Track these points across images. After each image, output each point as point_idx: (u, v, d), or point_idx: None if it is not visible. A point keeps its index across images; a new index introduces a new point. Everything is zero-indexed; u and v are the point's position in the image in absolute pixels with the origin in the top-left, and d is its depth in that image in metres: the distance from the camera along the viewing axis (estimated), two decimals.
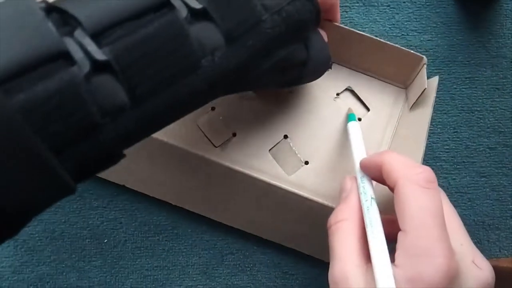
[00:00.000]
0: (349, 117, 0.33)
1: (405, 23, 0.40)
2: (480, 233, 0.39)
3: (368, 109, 0.36)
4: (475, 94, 0.40)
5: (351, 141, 0.31)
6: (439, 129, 0.40)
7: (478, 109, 0.40)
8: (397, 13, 0.40)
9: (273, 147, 0.34)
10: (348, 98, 0.36)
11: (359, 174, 0.27)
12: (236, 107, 0.32)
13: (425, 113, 0.32)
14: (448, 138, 0.40)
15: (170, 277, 0.38)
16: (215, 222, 0.38)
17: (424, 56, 0.33)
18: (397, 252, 0.21)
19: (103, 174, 0.35)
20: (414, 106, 0.34)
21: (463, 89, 0.40)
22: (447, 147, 0.40)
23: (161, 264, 0.38)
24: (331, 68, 0.32)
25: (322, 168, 0.34)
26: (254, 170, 0.31)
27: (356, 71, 0.36)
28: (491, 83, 0.40)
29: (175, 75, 0.21)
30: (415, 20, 0.40)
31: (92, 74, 0.19)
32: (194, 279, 0.38)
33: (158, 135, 0.32)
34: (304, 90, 0.35)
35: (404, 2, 0.41)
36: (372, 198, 0.25)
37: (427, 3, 0.41)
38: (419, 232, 0.21)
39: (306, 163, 0.34)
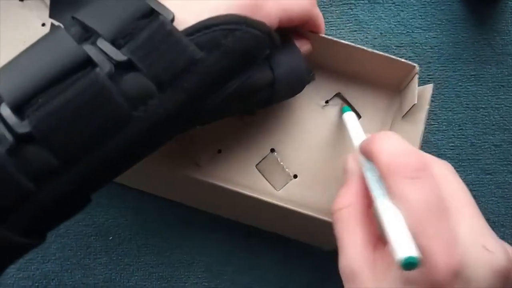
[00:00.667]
0: (344, 109, 0.32)
1: (410, 21, 0.40)
2: None
3: (359, 116, 0.34)
4: (480, 92, 0.40)
5: (349, 128, 0.30)
6: (444, 126, 0.40)
7: (483, 106, 0.40)
8: (402, 11, 0.40)
9: (260, 162, 0.33)
10: (338, 105, 0.34)
11: (361, 157, 0.25)
12: (219, 123, 0.31)
13: (417, 128, 0.30)
14: (453, 135, 0.40)
15: (175, 275, 0.38)
16: (221, 220, 0.38)
17: (416, 65, 0.31)
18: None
19: None
20: (407, 115, 0.32)
21: (468, 87, 0.40)
22: (452, 144, 0.40)
23: (166, 262, 0.38)
24: (312, 80, 0.31)
25: (312, 181, 0.33)
26: (241, 187, 0.31)
27: (346, 76, 0.34)
28: (496, 81, 0.40)
29: (102, 133, 0.21)
30: (420, 17, 0.40)
31: (18, 147, 0.20)
32: (199, 276, 0.38)
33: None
34: (289, 100, 0.34)
35: (409, 0, 0.41)
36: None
37: (432, 1, 0.41)
38: (414, 230, 0.20)
39: (295, 176, 0.33)
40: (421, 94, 0.31)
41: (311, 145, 0.34)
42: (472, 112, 0.40)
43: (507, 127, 0.40)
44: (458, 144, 0.40)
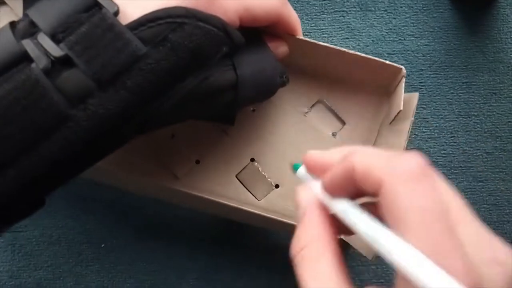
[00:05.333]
0: (295, 167, 0.25)
1: (402, 28, 0.40)
2: None
3: (343, 123, 0.33)
4: (472, 99, 0.40)
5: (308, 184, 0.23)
6: (436, 134, 0.40)
7: (475, 114, 0.40)
8: (394, 18, 0.40)
9: (240, 172, 0.32)
10: (320, 112, 0.33)
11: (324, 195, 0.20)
12: (197, 132, 0.30)
13: (400, 141, 0.28)
14: (445, 143, 0.40)
15: (167, 282, 0.38)
16: (213, 227, 0.38)
17: (403, 67, 0.29)
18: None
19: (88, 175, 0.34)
20: (394, 123, 0.30)
21: (460, 94, 0.40)
22: (444, 151, 0.40)
23: (158, 269, 0.38)
24: (285, 82, 0.29)
25: (294, 190, 0.31)
26: (221, 197, 0.30)
27: (329, 81, 0.33)
28: (489, 88, 0.40)
29: (37, 132, 0.20)
30: (412, 25, 0.40)
31: None
32: (192, 284, 0.38)
33: (116, 168, 0.30)
34: (269, 107, 0.33)
35: (401, 7, 0.41)
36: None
37: (424, 8, 0.41)
38: (419, 236, 0.16)
39: (277, 186, 0.32)
40: (407, 102, 0.29)
41: (292, 154, 0.32)
42: (464, 119, 0.40)
43: (499, 135, 0.40)
44: (450, 152, 0.40)
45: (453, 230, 0.16)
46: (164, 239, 0.38)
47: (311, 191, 0.21)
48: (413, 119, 0.28)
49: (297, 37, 0.29)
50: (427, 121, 0.40)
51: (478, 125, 0.40)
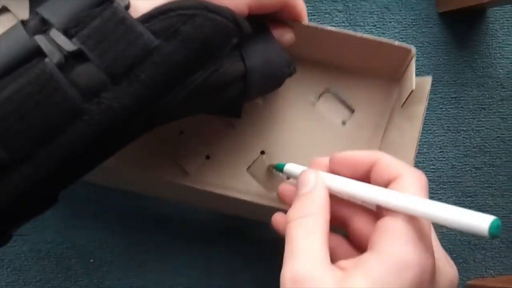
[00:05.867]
0: (278, 166, 0.29)
1: None
2: (466, 253, 0.39)
3: (352, 111, 0.32)
4: (461, 114, 0.40)
5: (297, 172, 0.26)
6: (425, 149, 0.40)
7: (464, 129, 0.40)
8: (383, 33, 0.41)
9: (250, 165, 0.32)
10: (328, 101, 0.32)
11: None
12: (206, 127, 0.30)
13: (417, 115, 0.28)
14: (434, 157, 0.40)
15: None
16: (203, 241, 0.38)
17: (413, 46, 0.28)
18: (385, 237, 0.20)
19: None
20: (406, 104, 0.30)
21: (449, 109, 0.40)
22: (433, 166, 0.40)
23: (147, 284, 0.38)
24: (293, 72, 0.29)
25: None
26: (233, 191, 0.30)
27: (337, 68, 0.32)
28: (477, 103, 0.40)
29: (52, 126, 0.20)
30: (401, 39, 0.40)
31: None
32: None
33: (127, 167, 0.30)
34: (277, 98, 0.32)
35: (390, 22, 0.41)
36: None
37: (413, 23, 0.41)
38: (419, 223, 0.20)
39: (288, 178, 0.32)
40: (419, 85, 0.28)
41: (303, 145, 0.31)
42: (453, 134, 0.40)
43: (488, 150, 0.40)
44: (439, 167, 0.40)
45: None
46: (153, 254, 0.38)
47: (318, 173, 0.23)
48: (427, 104, 0.27)
49: (303, 23, 0.28)
50: None
51: (467, 140, 0.40)
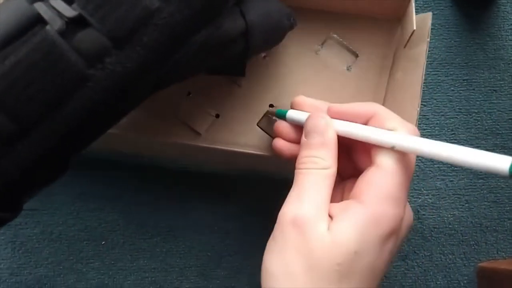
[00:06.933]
0: (279, 113, 0.29)
1: None
2: (478, 235, 0.39)
3: (356, 55, 0.32)
4: (473, 96, 0.40)
5: (302, 114, 0.27)
6: (436, 131, 0.40)
7: (476, 111, 0.40)
8: None
9: (260, 120, 0.32)
10: (332, 47, 0.32)
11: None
12: (213, 87, 0.30)
13: (420, 54, 0.28)
14: (446, 140, 0.40)
15: (167, 279, 0.38)
16: (213, 224, 0.38)
17: None
18: (369, 189, 0.22)
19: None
20: (409, 44, 0.30)
21: (461, 91, 0.40)
22: None
23: (159, 266, 0.38)
24: (293, 25, 0.28)
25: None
26: (245, 147, 0.30)
27: (337, 14, 0.32)
28: (489, 85, 0.40)
29: (58, 93, 0.20)
30: None
31: None
32: (192, 281, 0.38)
33: (138, 133, 0.30)
34: (280, 51, 0.32)
35: None
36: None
37: (425, 5, 0.41)
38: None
39: None
40: (420, 23, 0.29)
41: (310, 94, 0.31)
42: (465, 116, 0.40)
43: (500, 132, 0.40)
44: None
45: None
46: (164, 236, 0.38)
47: (328, 120, 0.24)
48: (428, 39, 0.28)
49: None
50: (428, 119, 0.40)
51: (479, 122, 0.40)
